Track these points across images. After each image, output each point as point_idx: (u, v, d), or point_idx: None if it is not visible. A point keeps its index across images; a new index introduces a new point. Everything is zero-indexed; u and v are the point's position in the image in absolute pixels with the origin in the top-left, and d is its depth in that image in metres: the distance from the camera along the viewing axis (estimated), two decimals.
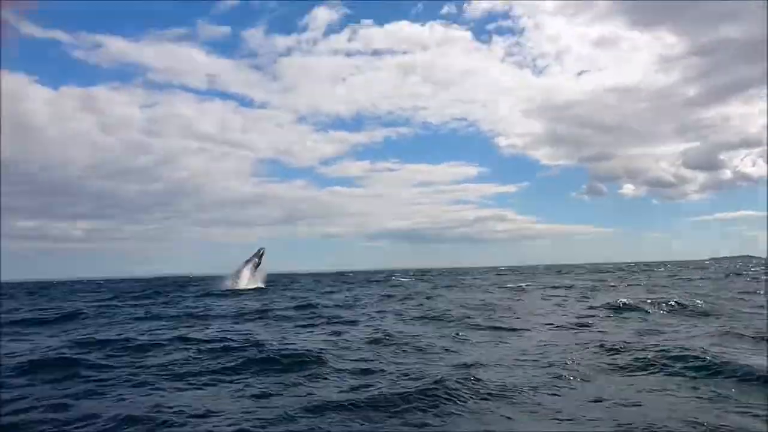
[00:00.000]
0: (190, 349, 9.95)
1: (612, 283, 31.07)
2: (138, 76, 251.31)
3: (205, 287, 38.84)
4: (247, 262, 35.59)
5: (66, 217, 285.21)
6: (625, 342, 9.62)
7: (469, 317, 14.32)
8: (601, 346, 9.36)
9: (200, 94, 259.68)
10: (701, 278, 34.67)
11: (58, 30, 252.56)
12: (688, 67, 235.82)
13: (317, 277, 74.91)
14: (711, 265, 73.58)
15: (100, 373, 8.17)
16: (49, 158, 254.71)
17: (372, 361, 8.75)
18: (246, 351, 9.46)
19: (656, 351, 8.48)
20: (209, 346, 10.15)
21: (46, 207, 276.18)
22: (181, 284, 55.89)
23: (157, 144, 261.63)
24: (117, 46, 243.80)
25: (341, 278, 66.21)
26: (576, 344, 9.93)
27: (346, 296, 25.59)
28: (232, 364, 8.61)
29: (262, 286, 33.53)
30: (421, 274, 66.21)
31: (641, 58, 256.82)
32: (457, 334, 11.48)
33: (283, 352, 9.16)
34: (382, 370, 7.99)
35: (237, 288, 32.48)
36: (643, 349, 8.73)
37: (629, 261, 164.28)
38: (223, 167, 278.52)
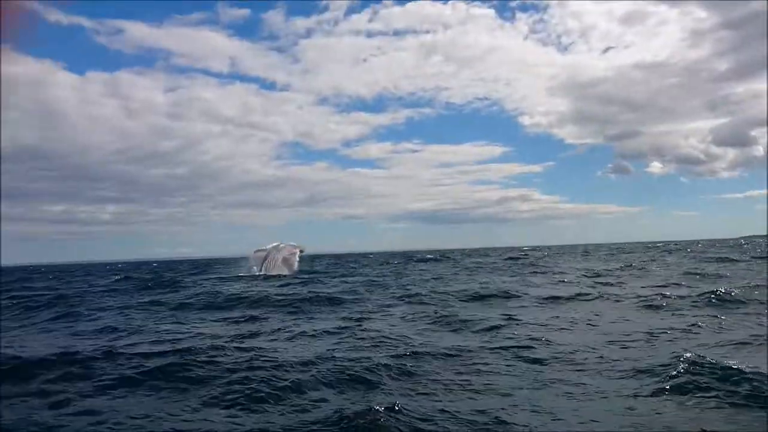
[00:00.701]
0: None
1: (646, 267, 29.28)
2: (160, 61, 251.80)
3: (222, 270, 38.25)
4: (284, 249, 33.78)
5: (93, 201, 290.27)
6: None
7: (497, 327, 11.01)
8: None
9: (222, 77, 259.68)
10: (739, 259, 32.53)
11: (82, 16, 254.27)
12: (719, 41, 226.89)
13: (338, 259, 74.28)
14: (746, 245, 70.46)
15: None
16: (76, 143, 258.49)
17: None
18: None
19: None
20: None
21: (74, 191, 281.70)
22: (200, 266, 55.76)
23: (180, 128, 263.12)
24: (139, 32, 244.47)
25: (362, 260, 65.47)
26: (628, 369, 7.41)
27: (360, 282, 24.46)
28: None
29: (287, 273, 32.30)
30: (443, 257, 64.77)
31: (669, 33, 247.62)
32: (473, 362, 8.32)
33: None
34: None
35: (262, 273, 31.34)
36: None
37: (656, 240, 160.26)
38: (246, 150, 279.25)
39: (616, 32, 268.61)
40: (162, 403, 6.23)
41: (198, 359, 7.85)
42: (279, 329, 11.22)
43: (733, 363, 6.61)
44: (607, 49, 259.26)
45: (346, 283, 24.01)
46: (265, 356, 8.15)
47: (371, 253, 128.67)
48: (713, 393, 5.91)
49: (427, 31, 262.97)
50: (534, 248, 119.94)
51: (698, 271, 23.21)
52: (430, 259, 57.39)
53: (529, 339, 9.42)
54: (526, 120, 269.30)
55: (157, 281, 28.21)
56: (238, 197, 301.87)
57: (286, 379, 6.78)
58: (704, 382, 6.20)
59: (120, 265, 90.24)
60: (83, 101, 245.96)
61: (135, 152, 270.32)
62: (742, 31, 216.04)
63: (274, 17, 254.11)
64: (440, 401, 6.04)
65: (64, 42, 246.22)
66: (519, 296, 16.27)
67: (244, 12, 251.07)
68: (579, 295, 16.02)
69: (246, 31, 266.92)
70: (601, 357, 7.95)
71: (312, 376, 6.95)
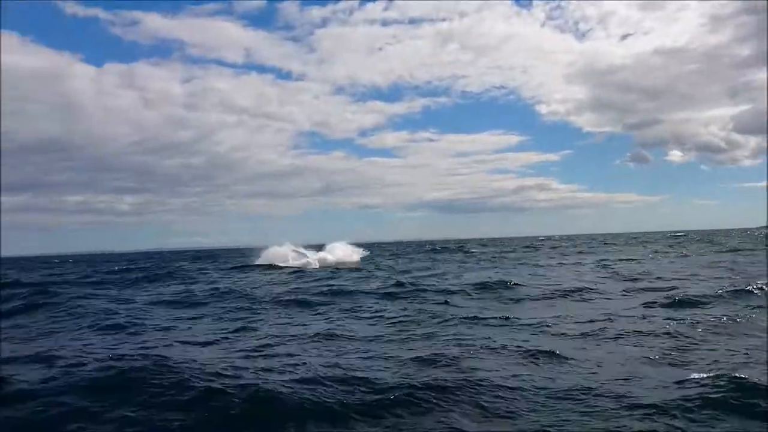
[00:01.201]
0: None
1: (666, 258, 28.33)
2: (176, 52, 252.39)
3: (236, 261, 38.08)
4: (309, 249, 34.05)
5: (110, 191, 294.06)
6: None
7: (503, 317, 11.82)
8: None
9: (237, 67, 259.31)
10: (761, 249, 31.37)
11: (98, 8, 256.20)
12: (740, 26, 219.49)
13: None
14: None
15: None
16: (93, 134, 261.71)
17: None
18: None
19: None
20: None
21: (92, 182, 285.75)
22: (212, 257, 55.89)
23: (196, 118, 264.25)
24: (154, 23, 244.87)
25: (375, 249, 65.03)
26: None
27: (366, 274, 24.01)
28: None
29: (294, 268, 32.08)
30: (458, 247, 64.10)
31: (689, 19, 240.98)
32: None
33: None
34: None
35: (279, 265, 31.23)
36: None
37: (677, 229, 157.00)
38: (261, 140, 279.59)
39: (635, 18, 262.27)
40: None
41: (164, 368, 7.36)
42: (273, 325, 10.76)
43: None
44: (625, 36, 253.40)
45: (353, 276, 23.56)
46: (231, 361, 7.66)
47: (387, 243, 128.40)
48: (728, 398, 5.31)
49: (443, 19, 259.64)
50: (551, 237, 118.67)
51: (720, 263, 22.29)
52: (445, 249, 56.78)
53: (535, 336, 8.83)
54: (543, 108, 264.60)
55: (158, 272, 28.03)
56: (253, 187, 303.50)
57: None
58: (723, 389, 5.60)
59: (133, 255, 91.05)
60: (100, 92, 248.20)
61: (151, 143, 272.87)
62: (763, 17, 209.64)
63: (290, 7, 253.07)
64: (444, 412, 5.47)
65: (80, 34, 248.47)
66: (527, 288, 15.66)
67: (259, 2, 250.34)
68: (593, 288, 15.33)
69: (261, 20, 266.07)
70: (613, 355, 7.31)
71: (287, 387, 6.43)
